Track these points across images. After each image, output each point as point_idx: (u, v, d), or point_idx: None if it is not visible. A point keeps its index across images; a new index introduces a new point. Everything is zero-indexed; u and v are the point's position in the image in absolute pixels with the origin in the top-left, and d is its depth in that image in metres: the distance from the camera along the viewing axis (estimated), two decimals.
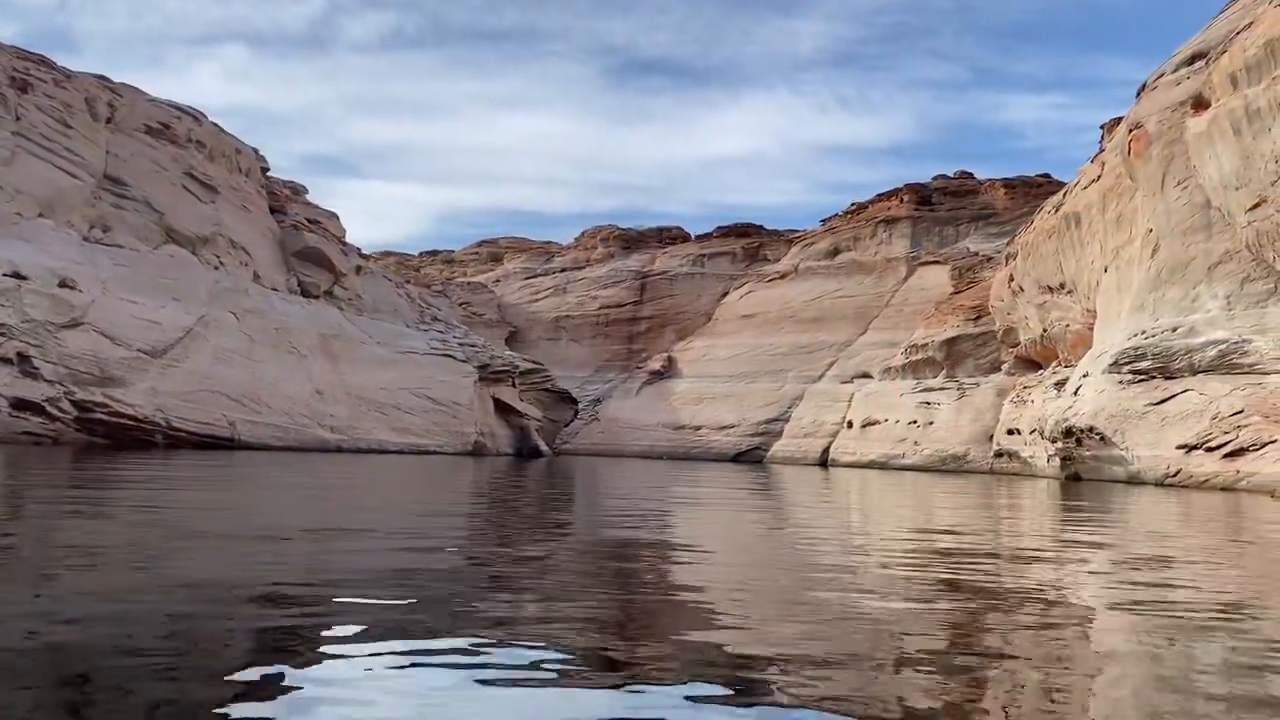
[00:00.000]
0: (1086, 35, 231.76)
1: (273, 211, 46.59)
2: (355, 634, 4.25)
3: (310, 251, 46.28)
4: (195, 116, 40.56)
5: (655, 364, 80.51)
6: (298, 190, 50.35)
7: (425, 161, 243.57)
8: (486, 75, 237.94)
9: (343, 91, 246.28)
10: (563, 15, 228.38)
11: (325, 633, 4.30)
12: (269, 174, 48.02)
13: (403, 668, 3.74)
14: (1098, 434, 37.76)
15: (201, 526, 8.85)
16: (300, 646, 4.02)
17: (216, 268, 39.91)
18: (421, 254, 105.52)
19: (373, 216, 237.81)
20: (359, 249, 53.16)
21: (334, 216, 50.90)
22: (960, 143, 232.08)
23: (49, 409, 32.07)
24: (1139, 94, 41.33)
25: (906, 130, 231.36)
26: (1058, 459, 41.31)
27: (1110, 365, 38.20)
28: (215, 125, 42.24)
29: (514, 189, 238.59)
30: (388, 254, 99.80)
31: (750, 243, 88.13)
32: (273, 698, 3.29)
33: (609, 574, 6.70)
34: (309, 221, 47.52)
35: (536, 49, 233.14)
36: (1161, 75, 39.44)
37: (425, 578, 5.99)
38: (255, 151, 46.04)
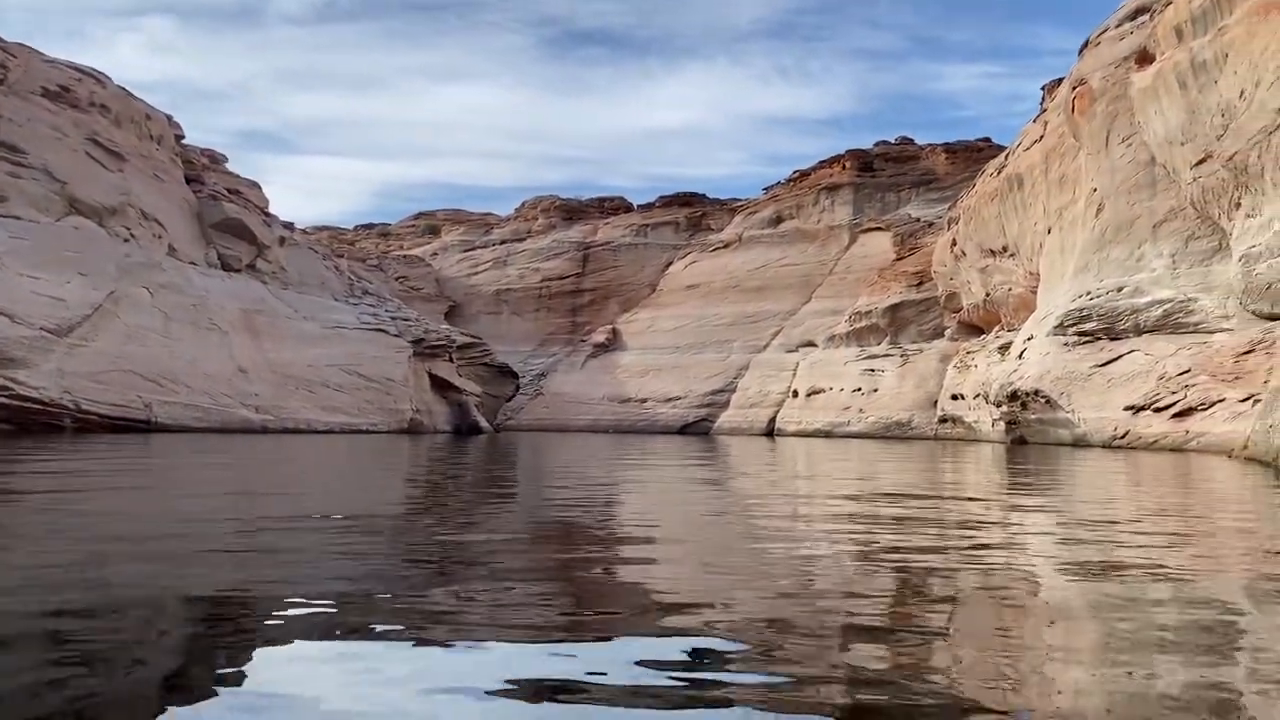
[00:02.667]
0: (1020, 4, 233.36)
1: (189, 181, 44.11)
2: (295, 631, 3.97)
3: (230, 223, 43.96)
4: (98, 79, 37.95)
5: (599, 336, 79.27)
6: (216, 159, 47.86)
7: (362, 136, 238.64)
8: (423, 47, 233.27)
9: (275, 65, 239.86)
10: None
11: (263, 633, 3.99)
12: (184, 141, 45.48)
13: (346, 667, 3.51)
14: (1043, 397, 37.29)
15: (114, 521, 7.87)
16: (236, 652, 3.68)
17: (126, 240, 37.57)
18: (356, 228, 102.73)
19: (310, 193, 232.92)
20: (283, 220, 50.90)
21: (256, 186, 48.51)
22: (899, 112, 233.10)
23: None
24: (1081, 51, 40.64)
25: (846, 100, 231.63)
26: (1003, 423, 40.92)
27: (1055, 327, 37.70)
28: (122, 88, 39.59)
29: (454, 163, 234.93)
30: (322, 229, 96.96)
31: (693, 212, 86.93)
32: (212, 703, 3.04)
33: (551, 562, 6.11)
34: (229, 191, 45.15)
35: (473, 20, 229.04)
36: (1105, 30, 38.75)
37: (362, 569, 5.48)
38: (169, 118, 43.50)
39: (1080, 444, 34.29)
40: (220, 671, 3.41)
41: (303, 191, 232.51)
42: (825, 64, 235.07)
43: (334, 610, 4.33)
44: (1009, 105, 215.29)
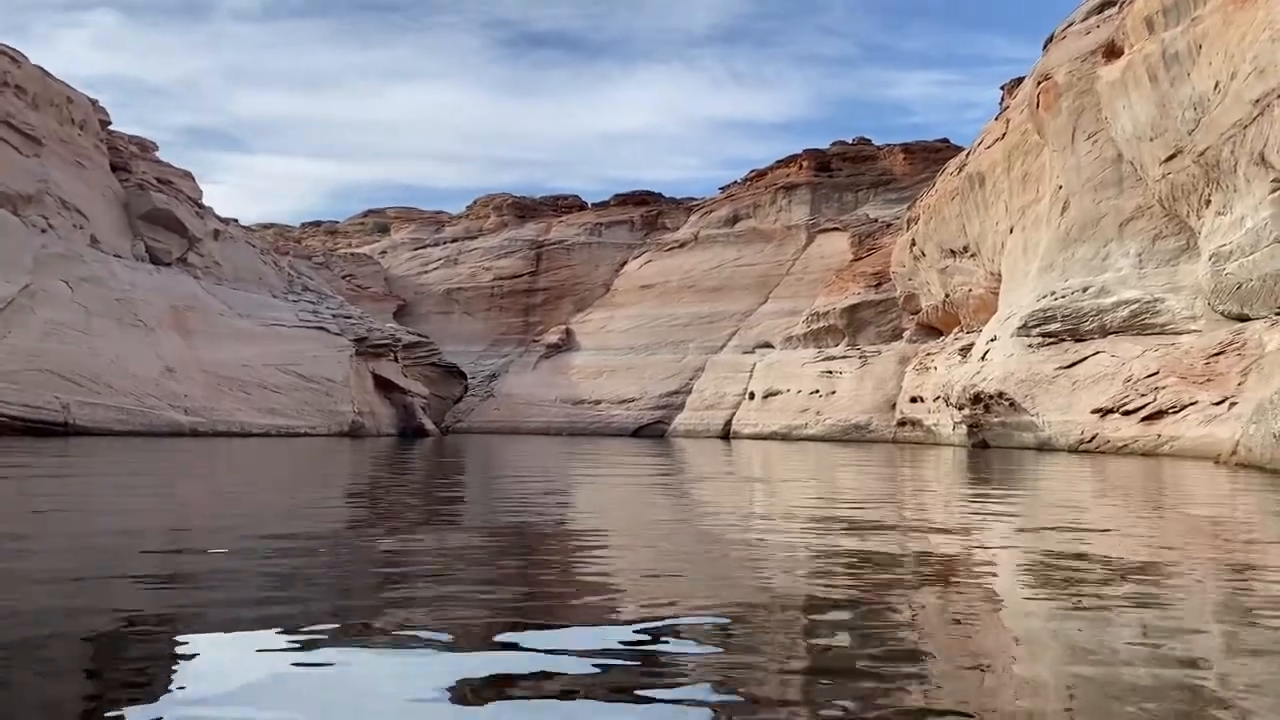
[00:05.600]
0: (971, 12, 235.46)
1: (115, 170, 41.66)
2: (225, 652, 3.60)
3: (159, 214, 41.56)
4: (13, 57, 35.40)
5: (552, 337, 77.59)
6: (146, 147, 45.40)
7: (314, 135, 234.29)
8: (375, 46, 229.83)
9: (224, 62, 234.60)
10: None
11: (196, 661, 3.48)
12: (110, 128, 43.01)
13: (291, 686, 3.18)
14: (1006, 399, 36.30)
15: (25, 535, 6.89)
16: (168, 681, 3.22)
17: (44, 230, 35.16)
18: (303, 225, 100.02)
19: (259, 192, 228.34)
20: (223, 215, 48.59)
21: (188, 176, 46.10)
22: (852, 118, 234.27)
23: None
24: (1046, 45, 39.78)
25: (800, 106, 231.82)
26: (964, 426, 39.98)
27: (1019, 328, 36.75)
28: (39, 68, 37.13)
29: (407, 163, 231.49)
30: (268, 226, 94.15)
31: (649, 211, 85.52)
32: None
33: (503, 570, 5.61)
34: (158, 181, 42.75)
35: (426, 21, 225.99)
36: (1070, 24, 37.88)
37: (303, 586, 4.92)
38: (94, 102, 41.03)
39: (1045, 448, 33.32)
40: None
41: (253, 191, 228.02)
42: (779, 69, 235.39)
43: (270, 630, 3.89)
44: (961, 113, 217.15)
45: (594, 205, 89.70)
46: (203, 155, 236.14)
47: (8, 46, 35.81)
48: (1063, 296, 35.35)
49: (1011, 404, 35.99)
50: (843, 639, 3.84)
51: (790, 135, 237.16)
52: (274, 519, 8.30)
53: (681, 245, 78.63)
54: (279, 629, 3.89)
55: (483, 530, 7.48)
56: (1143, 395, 29.38)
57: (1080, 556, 6.22)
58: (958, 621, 4.26)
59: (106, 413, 34.86)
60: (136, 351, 36.94)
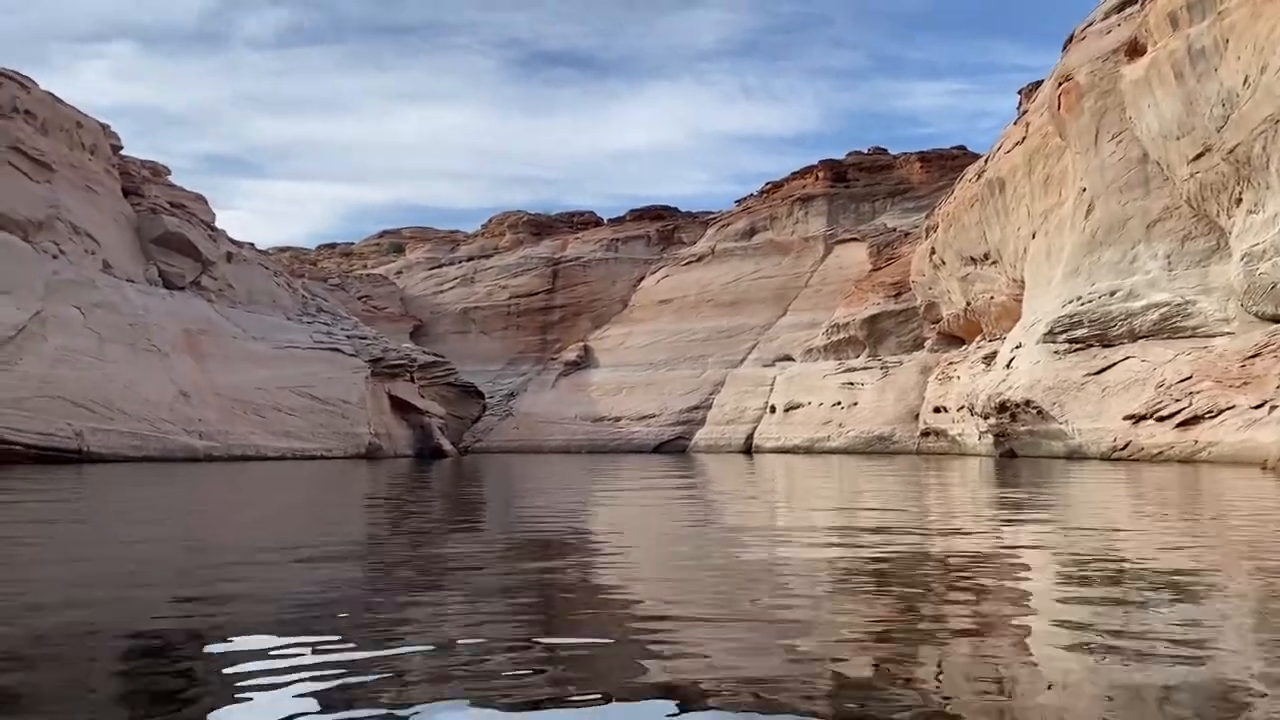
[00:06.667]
0: (980, 22, 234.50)
1: (127, 194, 41.45)
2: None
3: (171, 237, 41.32)
4: (21, 83, 35.26)
5: (571, 354, 77.10)
6: (158, 171, 45.23)
7: (329, 159, 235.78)
8: (388, 69, 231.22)
9: (240, 89, 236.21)
10: (464, 8, 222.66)
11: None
12: (122, 152, 42.86)
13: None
14: (1034, 407, 35.49)
15: (44, 564, 6.61)
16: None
17: (55, 256, 34.89)
18: (319, 247, 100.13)
19: (276, 216, 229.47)
20: (239, 240, 48.37)
21: (201, 199, 45.87)
22: (864, 130, 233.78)
23: None
24: (1066, 46, 39.05)
25: (811, 119, 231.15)
26: (990, 435, 39.21)
27: (1044, 335, 35.99)
28: (49, 94, 36.98)
29: (421, 184, 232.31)
30: (284, 249, 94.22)
31: (665, 225, 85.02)
32: None
33: (530, 619, 4.83)
34: (171, 205, 42.53)
35: (438, 42, 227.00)
36: (1090, 24, 37.16)
37: (327, 622, 4.54)
38: (105, 127, 40.87)
39: (1075, 456, 32.49)
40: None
41: (269, 215, 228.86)
42: (789, 83, 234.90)
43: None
44: (974, 121, 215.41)
45: (610, 221, 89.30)
46: (220, 181, 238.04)
47: (15, 72, 35.71)
48: (1089, 301, 34.54)
49: (1039, 412, 35.17)
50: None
51: (802, 148, 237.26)
52: (301, 547, 7.70)
53: (698, 259, 78.07)
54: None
55: (509, 589, 6.45)
56: (1177, 400, 28.51)
57: (1176, 589, 5.51)
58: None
59: (120, 439, 34.50)
60: (150, 376, 36.61)
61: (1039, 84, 45.57)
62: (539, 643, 4.12)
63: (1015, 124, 46.37)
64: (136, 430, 35.30)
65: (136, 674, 3.62)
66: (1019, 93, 53.08)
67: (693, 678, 3.53)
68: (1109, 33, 35.48)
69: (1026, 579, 5.85)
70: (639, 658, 3.84)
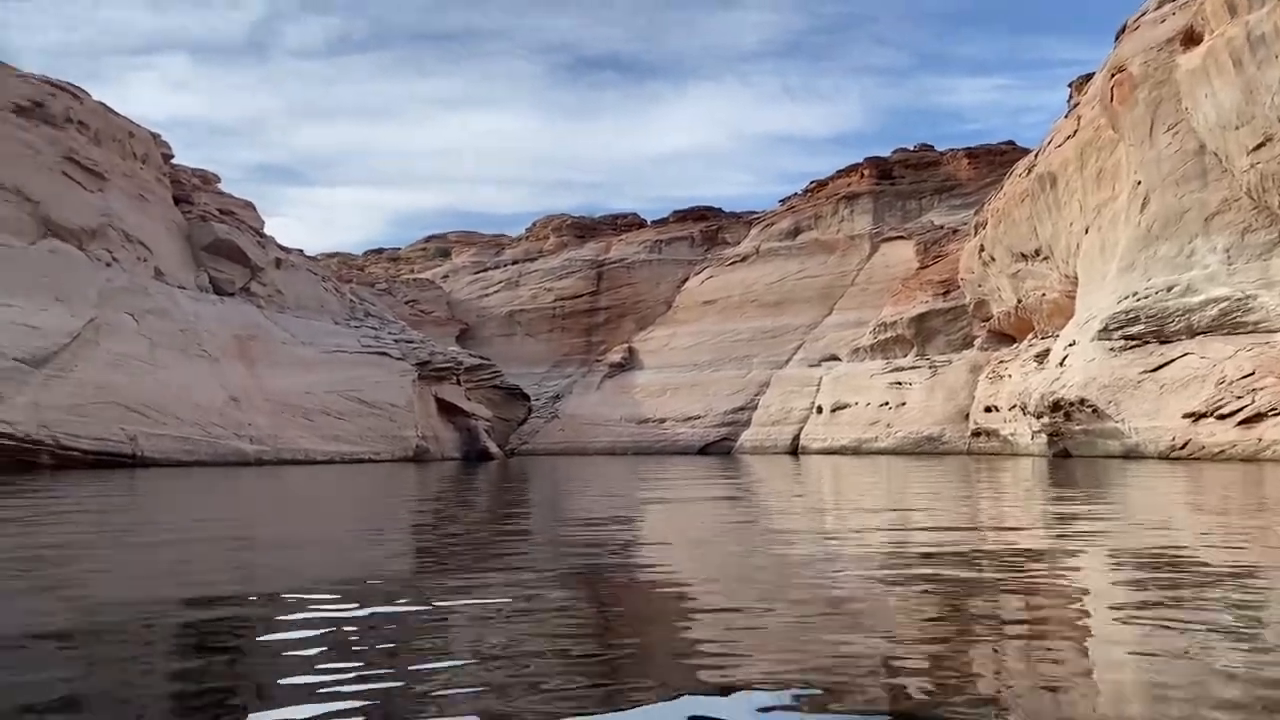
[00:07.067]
0: (1025, 17, 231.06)
1: (178, 202, 42.09)
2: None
3: (221, 244, 41.88)
4: (75, 94, 35.94)
5: (615, 356, 77.06)
6: (208, 179, 45.88)
7: (375, 165, 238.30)
8: (432, 76, 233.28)
9: (287, 99, 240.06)
10: (506, 14, 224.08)
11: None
12: (173, 161, 43.54)
13: None
14: (1089, 406, 34.72)
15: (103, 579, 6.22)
16: None
17: (108, 264, 35.48)
18: (366, 253, 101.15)
19: (324, 223, 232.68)
20: (285, 245, 48.92)
21: (249, 206, 46.46)
22: (908, 128, 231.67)
23: None
24: (1118, 36, 38.20)
25: (855, 118, 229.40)
26: (1044, 435, 38.48)
27: (1099, 331, 35.20)
28: (101, 104, 37.63)
29: (466, 189, 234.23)
30: (332, 255, 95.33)
31: (709, 226, 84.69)
32: None
33: (582, 622, 4.67)
34: (220, 212, 43.12)
35: (481, 48, 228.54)
36: (1143, 14, 36.32)
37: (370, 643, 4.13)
38: (156, 136, 41.54)
39: (1132, 455, 31.74)
40: None
41: (317, 222, 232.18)
42: (833, 82, 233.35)
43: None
44: (1020, 117, 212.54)
45: (653, 222, 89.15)
46: (270, 190, 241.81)
47: (69, 84, 36.40)
48: (1146, 297, 33.74)
49: (1094, 410, 34.41)
50: None
51: (846, 147, 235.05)
52: (348, 555, 7.64)
53: (743, 259, 77.66)
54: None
55: (557, 598, 6.61)
56: (1238, 398, 27.71)
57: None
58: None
59: (173, 443, 34.97)
60: (201, 382, 37.08)
61: (1090, 76, 44.67)
62: (590, 640, 4.13)
63: (1066, 117, 45.50)
64: (188, 435, 35.77)
65: (187, 671, 3.65)
66: (1069, 86, 52.09)
67: (745, 675, 3.48)
68: (1163, 22, 34.63)
69: (1084, 575, 5.72)
70: (690, 654, 3.81)
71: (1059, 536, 8.44)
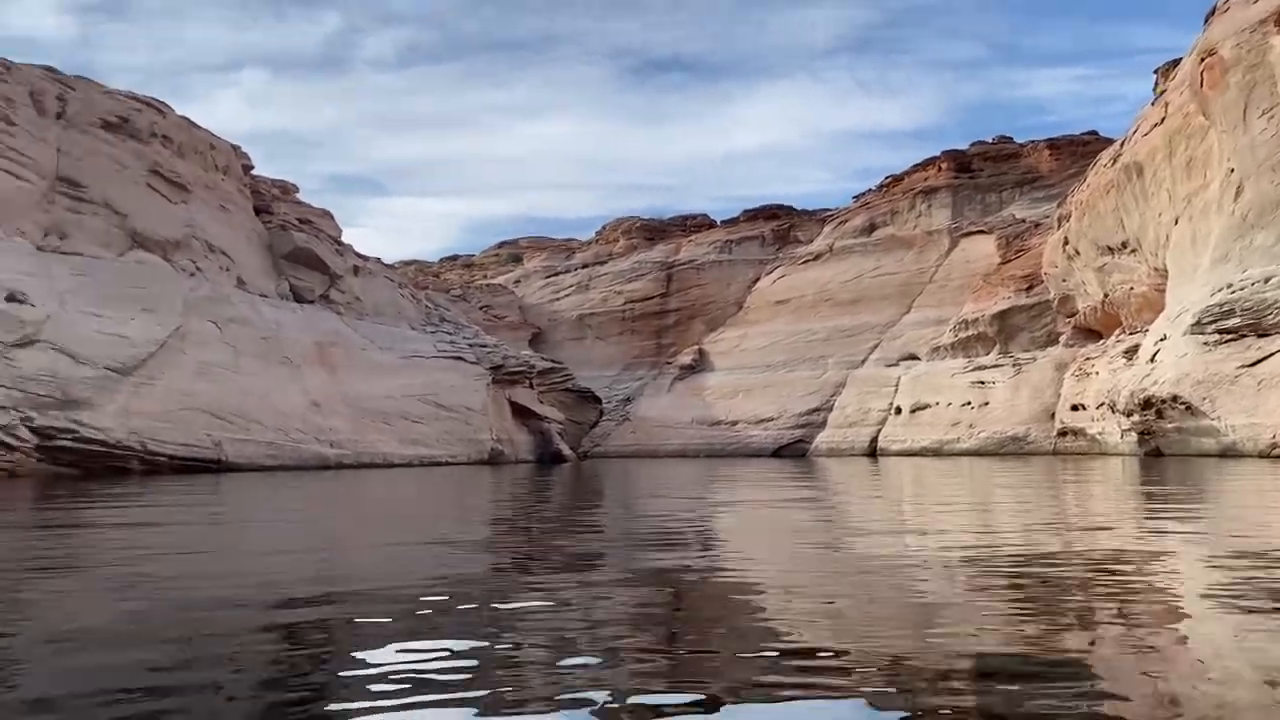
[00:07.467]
0: (1104, 5, 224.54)
1: (258, 212, 43.07)
2: None
3: (301, 253, 42.71)
4: (159, 108, 36.98)
5: (686, 358, 76.72)
6: (287, 189, 46.85)
7: (449, 175, 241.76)
8: (504, 84, 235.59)
9: (363, 110, 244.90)
10: (575, 19, 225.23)
11: None
12: (252, 172, 44.54)
13: None
14: (1182, 403, 33.44)
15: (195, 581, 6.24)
16: None
17: (193, 274, 36.40)
18: (441, 260, 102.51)
19: (400, 232, 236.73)
20: (362, 252, 49.72)
21: (327, 215, 47.33)
22: (985, 121, 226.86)
23: (3, 438, 28.68)
24: (1207, 19, 36.74)
25: (930, 112, 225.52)
26: (1134, 434, 37.26)
27: (1192, 326, 33.86)
28: (184, 118, 38.69)
29: (538, 195, 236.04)
30: (409, 263, 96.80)
31: (780, 225, 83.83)
32: None
33: (658, 612, 4.78)
34: (299, 221, 43.98)
35: (551, 55, 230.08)
36: None
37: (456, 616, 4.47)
38: (236, 148, 42.57)
39: (1229, 454, 30.49)
40: None
41: (394, 231, 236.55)
42: (907, 76, 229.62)
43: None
44: (1101, 107, 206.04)
45: (723, 222, 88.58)
46: (347, 201, 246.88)
47: (153, 98, 37.47)
48: (1241, 289, 32.33)
49: (1188, 408, 33.13)
50: None
51: (921, 142, 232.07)
52: (432, 560, 7.56)
53: (816, 258, 76.69)
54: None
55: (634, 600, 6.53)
56: None
57: None
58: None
59: (256, 448, 35.67)
60: (283, 388, 37.78)
61: (1177, 62, 43.10)
62: (664, 635, 4.17)
63: (1152, 105, 43.97)
64: (271, 440, 36.46)
65: (277, 661, 3.74)
66: (1155, 72, 50.35)
67: (831, 679, 3.39)
68: (1255, 2, 33.18)
69: (1183, 576, 5.56)
70: (767, 648, 3.79)
71: (1156, 534, 8.09)
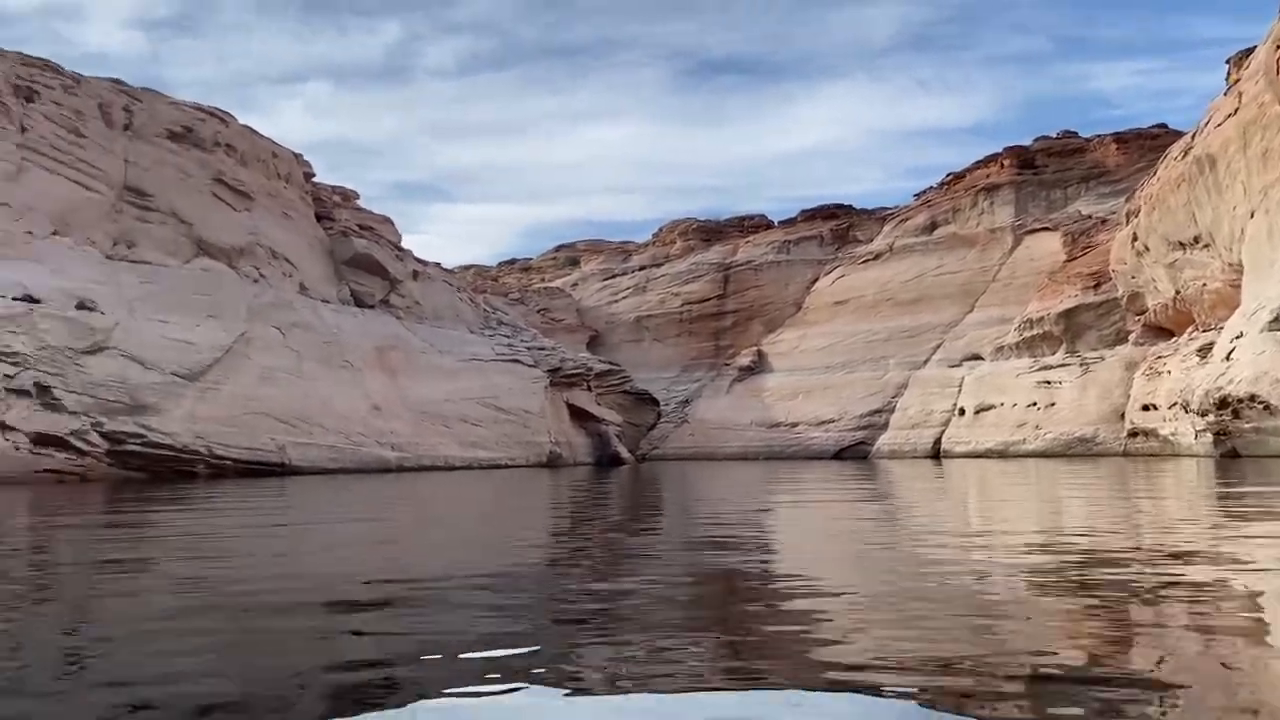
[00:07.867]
0: None
1: (320, 219, 43.73)
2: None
3: (361, 258, 43.26)
4: (222, 118, 37.76)
5: (744, 359, 76.17)
6: (348, 195, 47.49)
7: (508, 181, 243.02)
8: (562, 90, 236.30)
9: (424, 118, 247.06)
10: (631, 23, 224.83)
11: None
12: (314, 179, 45.23)
13: None
14: (1260, 402, 32.33)
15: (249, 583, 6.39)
16: None
17: (256, 280, 37.06)
18: (500, 264, 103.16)
19: (460, 238, 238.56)
20: (422, 258, 50.22)
21: (387, 221, 47.90)
22: (1048, 116, 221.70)
23: (75, 442, 29.44)
24: None
25: (990, 108, 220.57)
26: (1209, 434, 36.07)
27: (1270, 322, 32.80)
28: (247, 127, 39.41)
29: (596, 199, 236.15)
30: (467, 267, 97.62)
31: (839, 224, 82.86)
32: None
33: (714, 611, 4.90)
34: (360, 227, 44.56)
35: (608, 59, 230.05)
36: None
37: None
38: (297, 155, 43.27)
39: None
40: None
41: (454, 237, 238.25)
42: (966, 73, 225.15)
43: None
44: (1169, 100, 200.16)
45: (781, 223, 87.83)
46: (408, 207, 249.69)
47: (216, 108, 38.25)
48: None
49: (1266, 407, 32.02)
50: None
51: (982, 139, 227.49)
52: (492, 568, 7.51)
53: (876, 257, 75.67)
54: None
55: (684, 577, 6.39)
56: None
57: None
58: None
59: (319, 452, 36.16)
60: (345, 392, 38.26)
61: (1250, 51, 41.68)
62: (721, 630, 4.26)
63: (1225, 96, 42.58)
64: (333, 443, 36.95)
65: (347, 649, 3.88)
66: (1227, 62, 48.78)
67: (883, 678, 3.37)
68: None
69: (1266, 583, 5.32)
70: (825, 645, 3.85)
71: (1237, 538, 7.72)
